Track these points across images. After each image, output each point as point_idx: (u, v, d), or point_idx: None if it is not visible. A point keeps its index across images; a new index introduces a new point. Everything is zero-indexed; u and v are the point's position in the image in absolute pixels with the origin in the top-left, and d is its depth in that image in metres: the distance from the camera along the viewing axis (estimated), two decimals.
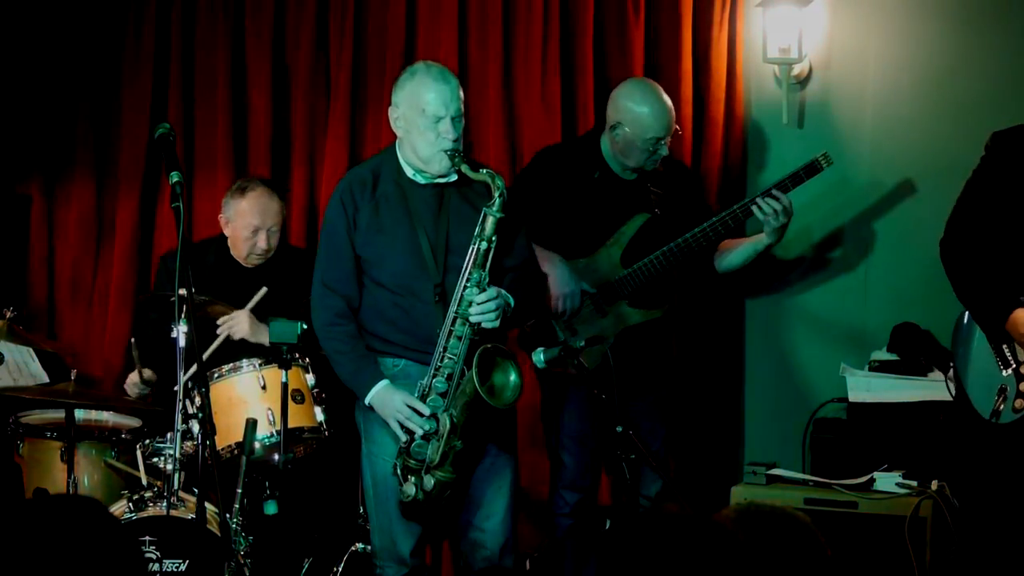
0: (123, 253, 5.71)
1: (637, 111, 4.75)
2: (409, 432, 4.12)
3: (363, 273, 4.25)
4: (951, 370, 4.38)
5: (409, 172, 4.24)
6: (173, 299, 4.07)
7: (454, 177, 4.19)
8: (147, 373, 5.00)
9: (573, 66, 5.34)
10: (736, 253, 4.91)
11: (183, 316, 4.09)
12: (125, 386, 5.07)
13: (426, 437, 4.11)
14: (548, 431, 4.97)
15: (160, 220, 5.73)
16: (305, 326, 4.51)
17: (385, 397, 4.16)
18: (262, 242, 5.06)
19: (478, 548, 4.29)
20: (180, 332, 4.25)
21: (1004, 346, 4.18)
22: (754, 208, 4.75)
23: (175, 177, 3.81)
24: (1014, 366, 4.16)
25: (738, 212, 4.78)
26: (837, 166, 4.84)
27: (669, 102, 4.80)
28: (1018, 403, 4.13)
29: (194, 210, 5.55)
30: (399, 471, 4.15)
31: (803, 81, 5.23)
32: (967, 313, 4.27)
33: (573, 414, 4.82)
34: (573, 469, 4.87)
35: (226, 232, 5.13)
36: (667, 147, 4.79)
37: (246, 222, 5.05)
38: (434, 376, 4.12)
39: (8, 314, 5.02)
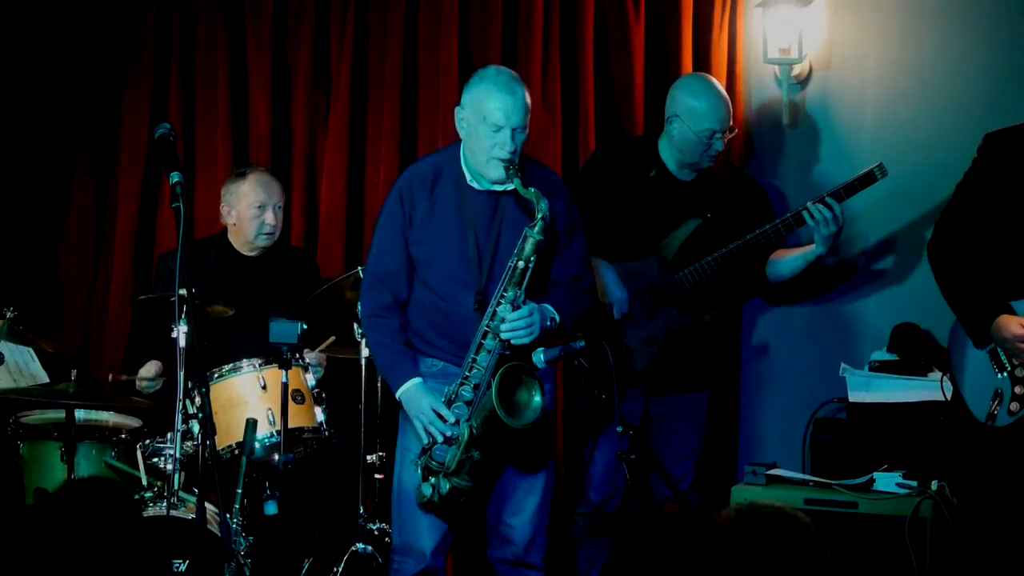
0: (123, 253, 5.70)
1: (692, 103, 4.77)
2: (431, 435, 4.13)
3: (414, 270, 4.26)
4: (949, 371, 4.37)
5: (468, 175, 4.21)
6: (173, 299, 4.07)
7: (511, 185, 4.12)
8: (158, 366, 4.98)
9: (574, 67, 5.34)
10: (786, 263, 4.92)
11: (183, 316, 4.09)
12: (138, 379, 4.99)
13: (448, 441, 4.12)
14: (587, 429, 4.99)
15: (160, 220, 5.72)
16: (305, 326, 4.51)
17: (414, 396, 4.17)
18: (270, 218, 5.05)
19: (505, 543, 4.31)
20: (180, 332, 4.25)
21: (999, 349, 4.16)
22: (804, 214, 4.74)
23: (175, 177, 3.81)
24: (1009, 369, 4.15)
25: (790, 219, 4.78)
26: (837, 166, 4.84)
27: (726, 96, 4.83)
28: (1013, 406, 4.12)
29: (194, 210, 5.54)
30: (420, 469, 4.17)
31: (803, 81, 5.23)
32: None
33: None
34: (603, 469, 4.88)
35: (229, 221, 5.11)
36: (723, 143, 4.80)
37: (250, 200, 5.04)
38: (461, 384, 4.12)
39: (8, 314, 5.01)
